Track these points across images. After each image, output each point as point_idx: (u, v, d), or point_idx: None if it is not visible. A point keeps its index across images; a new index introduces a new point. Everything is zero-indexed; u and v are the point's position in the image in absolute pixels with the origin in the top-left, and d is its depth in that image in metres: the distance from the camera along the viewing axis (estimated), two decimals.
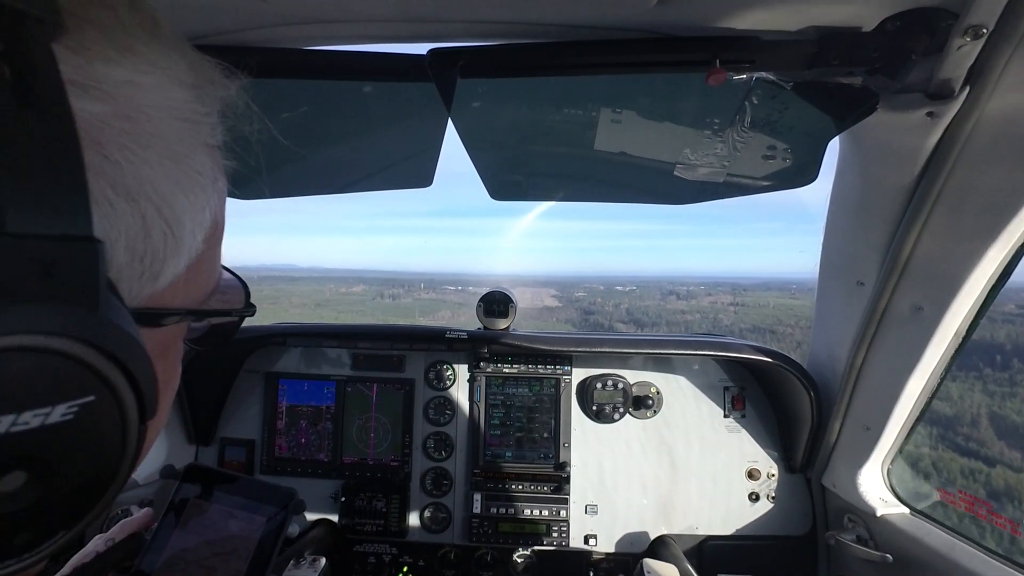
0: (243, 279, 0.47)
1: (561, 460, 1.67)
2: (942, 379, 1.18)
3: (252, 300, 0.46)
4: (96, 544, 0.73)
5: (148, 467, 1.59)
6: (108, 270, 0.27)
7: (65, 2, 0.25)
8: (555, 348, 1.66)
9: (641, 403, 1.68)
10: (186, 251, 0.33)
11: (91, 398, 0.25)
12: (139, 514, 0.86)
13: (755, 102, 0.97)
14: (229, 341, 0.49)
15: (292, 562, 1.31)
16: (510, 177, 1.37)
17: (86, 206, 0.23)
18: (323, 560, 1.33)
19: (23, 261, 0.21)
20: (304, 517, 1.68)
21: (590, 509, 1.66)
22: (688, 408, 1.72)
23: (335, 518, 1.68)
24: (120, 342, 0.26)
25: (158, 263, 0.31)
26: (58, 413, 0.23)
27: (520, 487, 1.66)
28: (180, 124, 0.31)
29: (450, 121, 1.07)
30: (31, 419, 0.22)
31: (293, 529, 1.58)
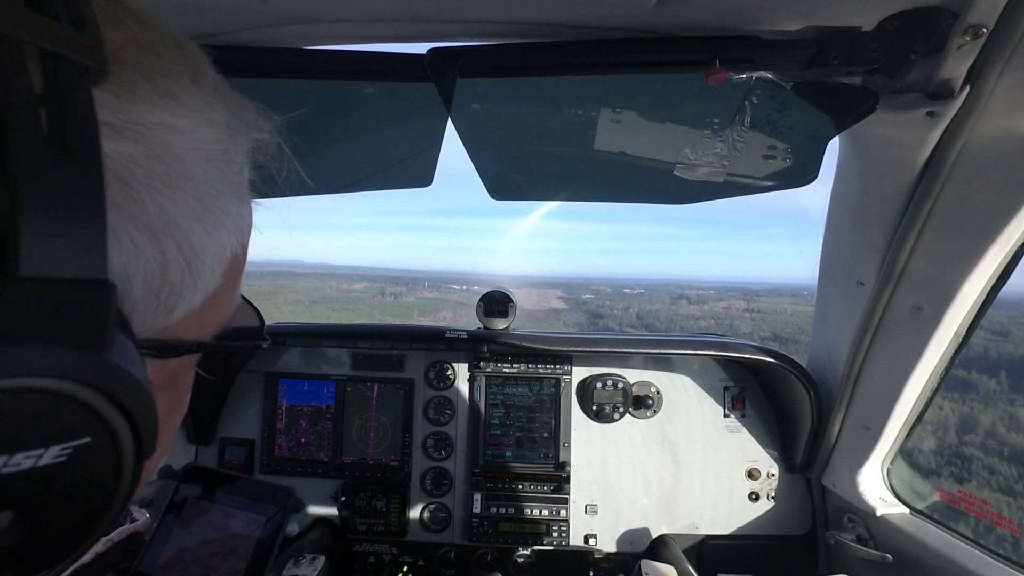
0: (259, 310, 0.47)
1: (561, 460, 1.67)
2: (942, 379, 1.18)
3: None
4: (96, 544, 0.74)
5: None
6: (123, 306, 0.27)
7: (115, 48, 0.26)
8: (555, 348, 1.66)
9: (641, 403, 1.68)
10: (203, 286, 0.33)
11: (87, 440, 0.24)
12: (138, 522, 0.86)
13: (755, 102, 0.96)
14: (241, 367, 0.49)
15: (292, 560, 1.31)
16: (510, 177, 1.37)
17: (103, 250, 0.23)
18: (323, 558, 1.33)
19: (35, 304, 0.21)
20: (304, 516, 1.68)
21: (590, 509, 1.67)
22: (688, 408, 1.72)
23: (335, 518, 1.68)
24: (124, 384, 0.25)
25: (174, 298, 0.31)
26: (51, 455, 0.23)
27: (520, 487, 1.66)
28: (209, 166, 0.32)
29: (450, 121, 1.07)
30: (23, 461, 0.22)
31: (292, 528, 1.58)
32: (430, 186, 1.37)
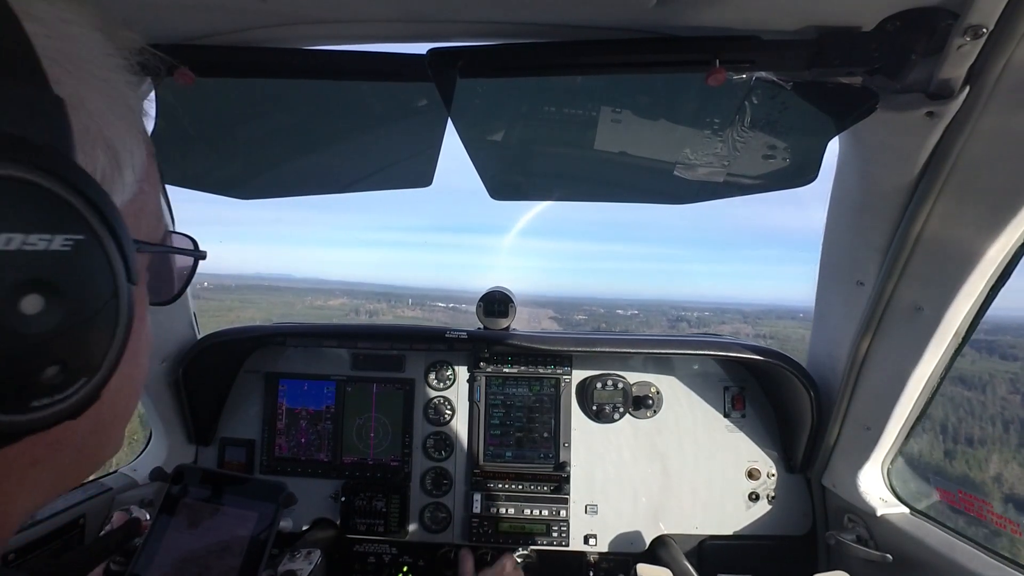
0: (190, 235, 0.51)
1: (561, 460, 1.67)
2: (942, 379, 1.18)
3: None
4: (95, 531, 0.74)
5: (149, 467, 1.59)
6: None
7: None
8: (555, 348, 1.66)
9: (641, 403, 1.68)
10: (128, 179, 0.35)
11: (81, 237, 0.28)
12: (135, 512, 0.86)
13: (755, 102, 0.97)
14: (182, 292, 0.52)
15: (287, 556, 1.31)
16: (510, 177, 1.37)
17: (45, 80, 0.27)
18: (318, 552, 1.33)
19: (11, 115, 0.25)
20: (304, 516, 1.68)
21: (590, 509, 1.66)
22: (688, 408, 1.72)
23: (335, 518, 1.68)
24: (98, 195, 0.29)
25: (106, 183, 0.33)
26: (57, 242, 0.27)
27: (520, 487, 1.66)
28: (106, 56, 0.35)
29: (449, 121, 1.07)
30: (37, 242, 0.26)
31: (287, 523, 1.58)
32: (430, 186, 1.37)
